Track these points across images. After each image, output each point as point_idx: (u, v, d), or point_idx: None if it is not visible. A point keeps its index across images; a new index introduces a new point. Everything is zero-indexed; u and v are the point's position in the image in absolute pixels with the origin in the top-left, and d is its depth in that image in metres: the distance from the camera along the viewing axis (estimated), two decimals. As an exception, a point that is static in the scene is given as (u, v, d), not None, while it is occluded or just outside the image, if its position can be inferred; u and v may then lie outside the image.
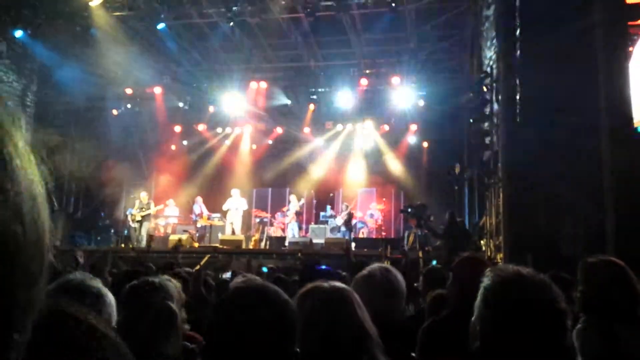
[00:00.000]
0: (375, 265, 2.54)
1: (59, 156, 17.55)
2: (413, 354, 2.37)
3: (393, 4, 12.42)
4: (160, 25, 13.98)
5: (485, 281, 1.53)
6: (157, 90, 17.37)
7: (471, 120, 12.28)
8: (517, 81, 8.93)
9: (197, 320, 2.61)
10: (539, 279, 1.49)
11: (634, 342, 2.33)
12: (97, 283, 1.83)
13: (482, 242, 11.94)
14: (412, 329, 2.48)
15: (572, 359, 1.47)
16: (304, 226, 16.82)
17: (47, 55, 15.07)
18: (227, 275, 6.93)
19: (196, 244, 13.98)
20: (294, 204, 15.91)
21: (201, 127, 18.83)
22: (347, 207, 15.62)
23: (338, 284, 1.87)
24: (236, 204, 15.51)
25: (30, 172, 0.48)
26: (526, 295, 1.45)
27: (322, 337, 1.64)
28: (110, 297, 1.81)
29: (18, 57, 14.01)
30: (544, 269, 1.56)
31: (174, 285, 2.37)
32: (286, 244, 14.13)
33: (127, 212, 14.81)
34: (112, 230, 15.28)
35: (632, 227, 7.54)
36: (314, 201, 16.97)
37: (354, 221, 16.12)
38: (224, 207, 15.54)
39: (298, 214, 15.92)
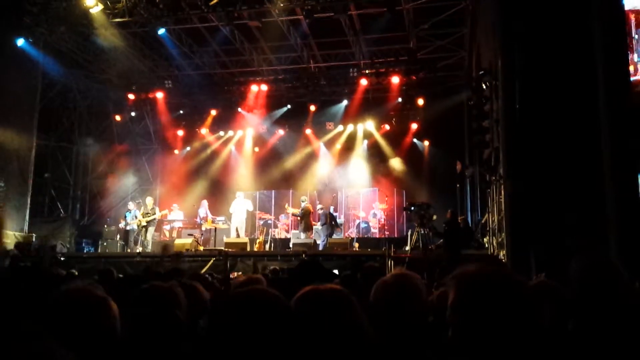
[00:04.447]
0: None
1: (63, 163, 17.72)
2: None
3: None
4: (161, 31, 14.06)
5: (450, 284, 1.45)
6: (159, 95, 17.47)
7: (471, 118, 12.31)
8: (517, 77, 8.94)
9: None
10: (512, 281, 1.39)
11: (623, 344, 2.32)
12: (102, 292, 1.81)
13: (484, 239, 11.97)
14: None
15: None
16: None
17: (50, 63, 15.18)
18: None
19: (201, 248, 14.04)
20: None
21: (203, 130, 18.93)
22: (321, 208, 15.08)
23: (335, 286, 1.83)
24: (241, 205, 15.54)
25: None
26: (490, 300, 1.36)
27: (319, 341, 1.61)
28: (115, 308, 1.80)
29: (21, 65, 14.08)
30: (546, 265, 1.56)
31: (181, 291, 2.36)
32: (290, 245, 14.17)
33: (127, 216, 14.79)
34: (118, 236, 15.36)
35: (634, 219, 7.56)
36: (317, 202, 17.00)
37: (356, 221, 16.13)
38: (230, 209, 15.55)
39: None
